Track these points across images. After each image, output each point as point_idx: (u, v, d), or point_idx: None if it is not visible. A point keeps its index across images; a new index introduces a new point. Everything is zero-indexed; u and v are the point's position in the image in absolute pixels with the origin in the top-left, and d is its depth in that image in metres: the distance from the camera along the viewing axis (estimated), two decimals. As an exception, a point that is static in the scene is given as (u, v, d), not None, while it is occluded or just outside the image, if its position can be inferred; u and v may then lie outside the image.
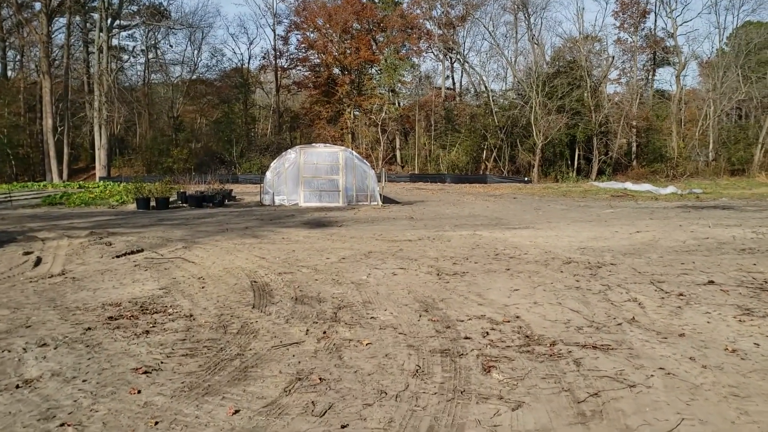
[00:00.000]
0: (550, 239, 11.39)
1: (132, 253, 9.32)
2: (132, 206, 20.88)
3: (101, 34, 43.24)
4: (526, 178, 42.54)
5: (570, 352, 4.66)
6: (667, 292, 6.76)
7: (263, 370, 4.23)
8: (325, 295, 6.60)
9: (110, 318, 5.58)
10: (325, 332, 5.16)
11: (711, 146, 49.33)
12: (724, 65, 48.49)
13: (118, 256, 9.01)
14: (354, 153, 22.49)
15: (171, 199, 21.48)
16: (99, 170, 43.36)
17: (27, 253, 9.08)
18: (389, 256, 9.32)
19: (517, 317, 5.71)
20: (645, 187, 29.01)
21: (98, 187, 30.21)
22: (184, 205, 21.77)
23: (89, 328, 5.24)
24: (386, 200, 22.64)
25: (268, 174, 22.18)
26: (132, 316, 5.67)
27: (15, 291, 6.86)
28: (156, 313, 5.80)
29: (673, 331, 5.26)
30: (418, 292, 6.73)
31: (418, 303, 6.24)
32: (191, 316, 5.71)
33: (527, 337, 5.07)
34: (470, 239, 11.39)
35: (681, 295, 6.62)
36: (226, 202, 22.98)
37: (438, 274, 7.75)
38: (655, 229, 12.87)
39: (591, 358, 4.50)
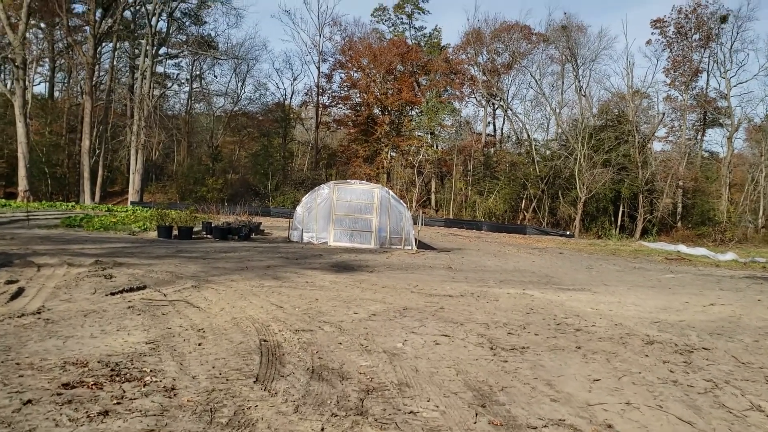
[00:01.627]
0: (614, 307, 9.79)
1: (131, 290, 8.03)
2: (153, 234, 19.80)
3: (146, 59, 43.46)
4: (568, 232, 40.67)
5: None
6: (795, 399, 5.15)
7: (250, 504, 2.79)
8: (350, 369, 5.15)
9: (65, 385, 4.20)
10: (346, 435, 3.71)
11: (761, 212, 46.96)
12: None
13: (113, 293, 7.72)
14: (390, 192, 21.13)
15: (195, 229, 20.36)
16: (132, 195, 43.04)
17: (10, 282, 7.84)
18: (429, 315, 7.85)
19: (609, 426, 4.17)
20: (700, 251, 26.92)
21: (126, 211, 29.46)
22: (208, 236, 20.63)
23: (30, 401, 3.87)
24: (421, 245, 21.15)
25: (299, 209, 20.93)
26: (95, 384, 4.29)
27: (-32, 333, 5.56)
28: (128, 381, 4.42)
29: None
30: (469, 374, 5.22)
31: (471, 391, 4.74)
32: (173, 389, 4.32)
33: (634, 466, 3.54)
34: (521, 300, 9.84)
35: (817, 404, 5.00)
36: (253, 235, 21.79)
37: (492, 348, 6.23)
38: (732, 303, 11.16)
39: None
